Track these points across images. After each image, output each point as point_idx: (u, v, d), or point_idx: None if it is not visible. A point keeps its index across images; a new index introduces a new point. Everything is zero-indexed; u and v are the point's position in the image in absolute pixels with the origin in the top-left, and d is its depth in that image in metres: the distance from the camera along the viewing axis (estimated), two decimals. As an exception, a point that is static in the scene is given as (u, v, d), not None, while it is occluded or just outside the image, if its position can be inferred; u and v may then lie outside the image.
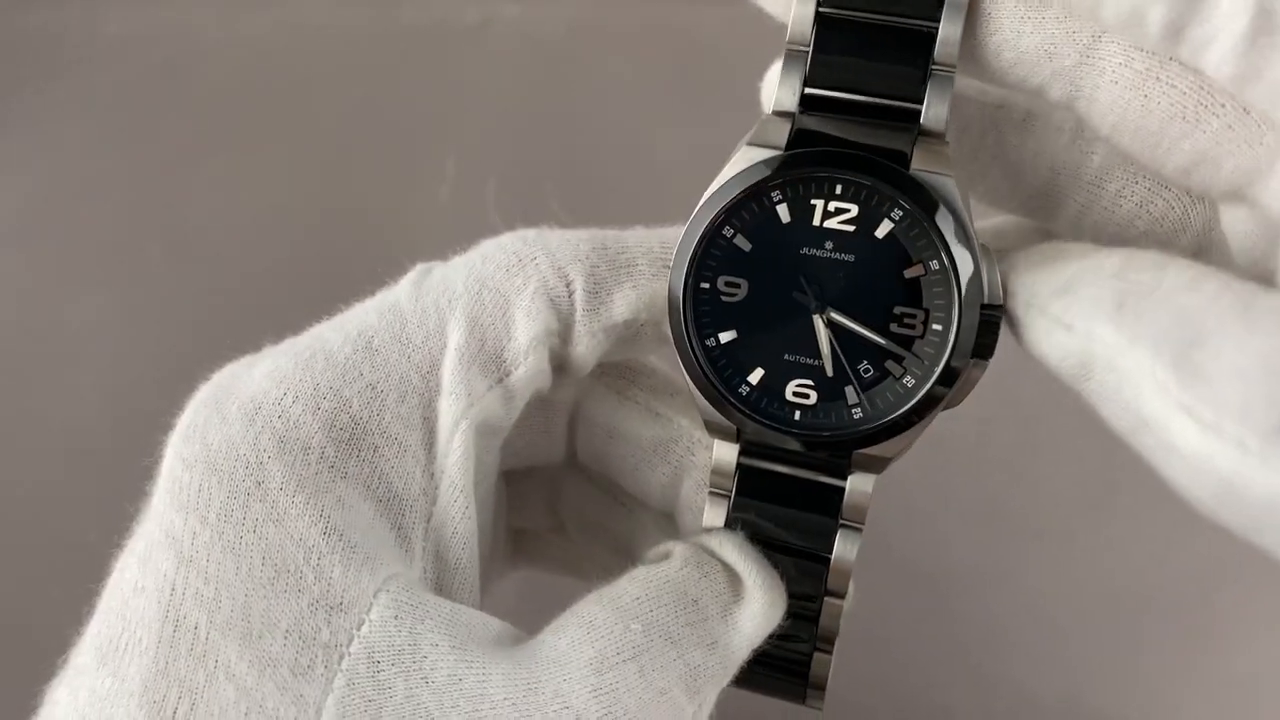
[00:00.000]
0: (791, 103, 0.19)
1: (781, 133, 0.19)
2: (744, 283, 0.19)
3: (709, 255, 0.19)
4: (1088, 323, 0.16)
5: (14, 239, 0.43)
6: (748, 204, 0.19)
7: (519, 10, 0.47)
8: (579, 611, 0.18)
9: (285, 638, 0.17)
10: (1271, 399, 0.14)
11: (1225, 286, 0.16)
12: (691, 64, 0.45)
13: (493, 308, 0.20)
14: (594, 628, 0.18)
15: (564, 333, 0.20)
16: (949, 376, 0.18)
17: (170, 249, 0.43)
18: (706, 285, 0.19)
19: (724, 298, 0.19)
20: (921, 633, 0.34)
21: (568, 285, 0.20)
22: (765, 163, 0.18)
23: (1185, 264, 0.16)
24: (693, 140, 0.44)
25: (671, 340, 0.20)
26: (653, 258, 0.20)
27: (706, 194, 0.19)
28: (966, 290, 0.18)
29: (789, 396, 0.19)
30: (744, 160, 0.19)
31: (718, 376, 0.19)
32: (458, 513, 0.19)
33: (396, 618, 0.17)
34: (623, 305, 0.20)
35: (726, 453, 0.20)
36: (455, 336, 0.20)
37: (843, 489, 0.20)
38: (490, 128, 0.44)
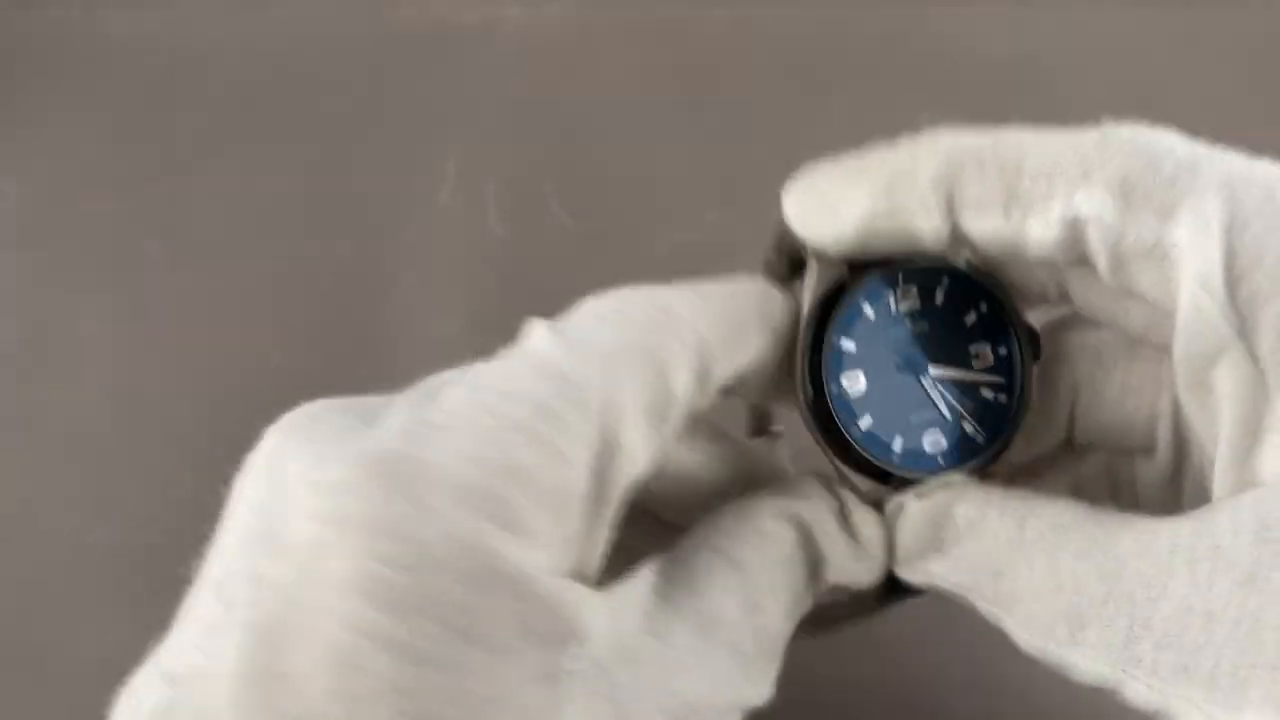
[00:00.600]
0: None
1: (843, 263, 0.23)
2: (861, 375, 0.23)
3: (830, 363, 0.23)
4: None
5: (15, 239, 0.43)
6: (843, 314, 0.23)
7: (519, 11, 0.47)
8: None
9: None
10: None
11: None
12: (691, 64, 0.45)
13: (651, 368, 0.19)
14: None
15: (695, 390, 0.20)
16: (1025, 385, 0.23)
17: (171, 249, 0.43)
18: (835, 387, 0.23)
19: (850, 393, 0.23)
20: (926, 638, 0.34)
21: (701, 344, 0.20)
22: (843, 280, 0.23)
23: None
24: (693, 141, 0.44)
25: (819, 439, 0.23)
26: (762, 315, 0.22)
27: (804, 315, 0.23)
28: (1010, 313, 0.23)
29: (927, 449, 0.24)
30: (822, 284, 0.23)
31: (872, 457, 0.23)
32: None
33: None
34: (741, 362, 0.21)
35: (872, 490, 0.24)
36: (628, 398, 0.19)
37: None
38: (490, 128, 0.44)
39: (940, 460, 0.23)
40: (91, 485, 0.39)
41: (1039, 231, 0.19)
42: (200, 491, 0.38)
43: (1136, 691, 0.16)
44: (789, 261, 0.24)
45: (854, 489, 0.23)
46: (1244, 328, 0.17)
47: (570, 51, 0.46)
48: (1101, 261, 0.19)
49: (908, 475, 0.23)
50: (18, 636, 0.37)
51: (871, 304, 0.23)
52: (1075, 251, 0.19)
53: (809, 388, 0.23)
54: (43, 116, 0.46)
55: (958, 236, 0.20)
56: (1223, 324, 0.17)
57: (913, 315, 0.24)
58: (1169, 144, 0.18)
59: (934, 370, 0.24)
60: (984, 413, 0.24)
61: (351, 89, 0.46)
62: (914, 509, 0.21)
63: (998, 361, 0.24)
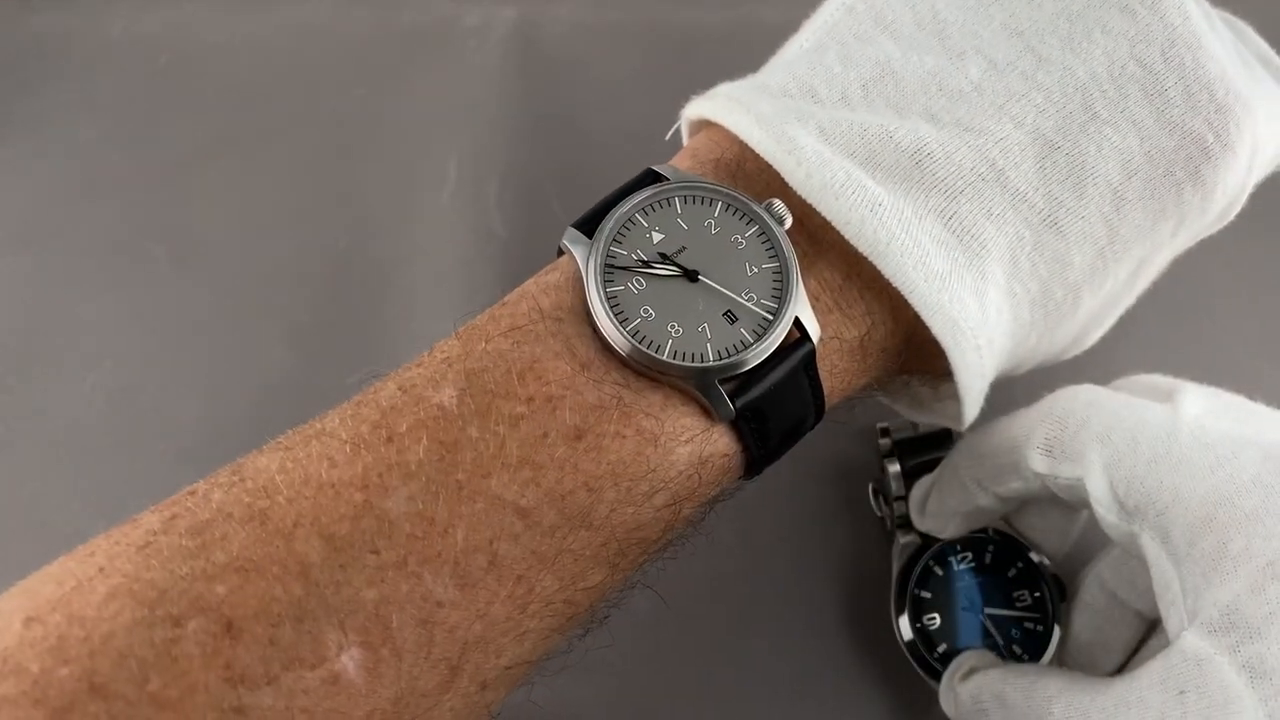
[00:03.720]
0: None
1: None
2: (937, 616, 0.33)
3: (915, 608, 0.33)
4: None
5: (18, 240, 0.43)
6: (921, 572, 0.34)
7: (519, 11, 0.47)
8: None
9: None
10: None
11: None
12: (691, 64, 0.45)
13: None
14: None
15: None
16: (1056, 618, 0.33)
17: (172, 249, 0.43)
18: (919, 626, 0.33)
19: (930, 629, 0.33)
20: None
21: None
22: (919, 548, 0.34)
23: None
24: (693, 141, 0.44)
25: (913, 662, 0.33)
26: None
27: (894, 575, 0.34)
28: (1040, 566, 0.33)
29: None
30: (904, 553, 0.34)
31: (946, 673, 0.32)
32: None
33: None
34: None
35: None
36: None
37: None
38: (491, 129, 0.44)
39: None
40: (91, 485, 0.39)
41: (1026, 485, 0.29)
42: (200, 491, 0.39)
43: None
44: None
45: (938, 699, 0.32)
46: (1135, 531, 0.26)
47: (570, 51, 0.46)
48: (1063, 495, 0.28)
49: None
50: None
51: (940, 564, 0.34)
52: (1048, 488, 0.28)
53: (901, 627, 0.33)
54: (44, 117, 0.46)
55: (1002, 500, 0.30)
56: (1123, 529, 0.26)
57: (970, 571, 0.34)
58: (1078, 405, 0.27)
59: (988, 610, 0.33)
60: (1026, 639, 0.33)
61: (351, 89, 0.46)
62: (962, 692, 0.30)
63: (1034, 601, 0.33)
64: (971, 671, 0.30)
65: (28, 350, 0.41)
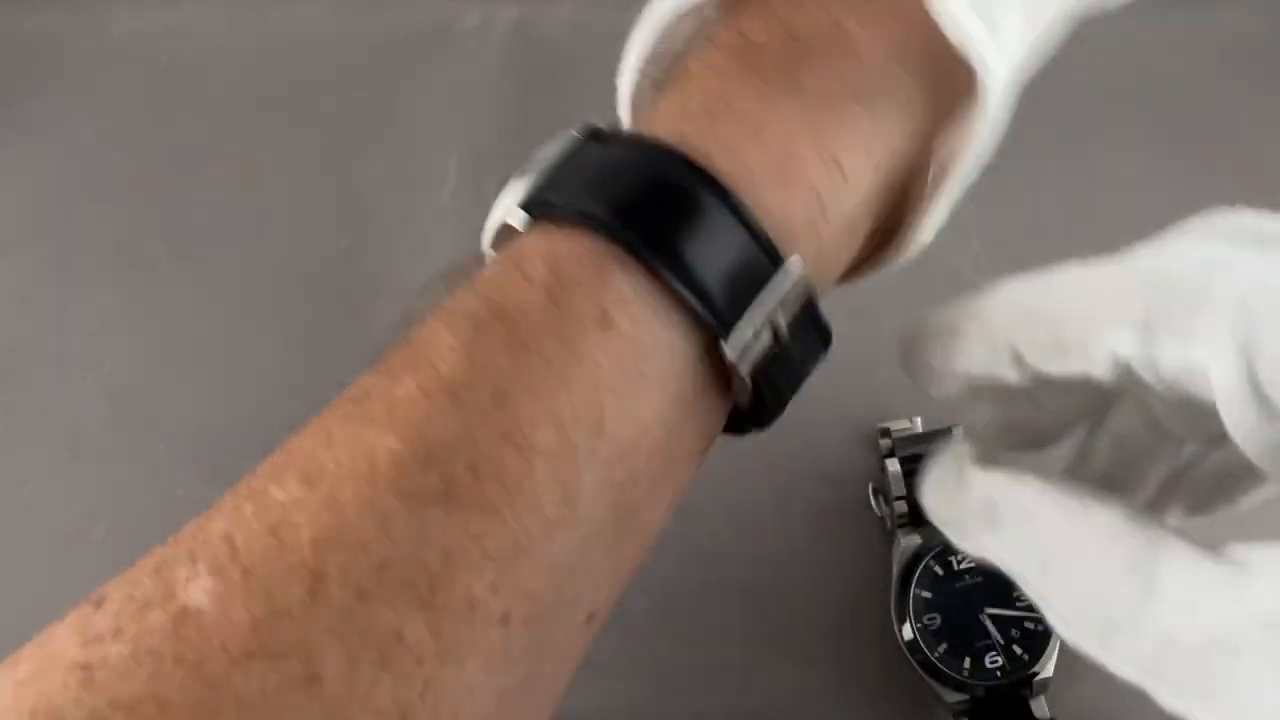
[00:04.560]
0: None
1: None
2: (938, 615, 0.33)
3: (915, 607, 0.33)
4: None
5: (18, 240, 0.43)
6: (921, 573, 0.33)
7: (519, 11, 0.47)
8: None
9: None
10: None
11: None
12: (691, 64, 0.45)
13: None
14: None
15: None
16: None
17: (172, 249, 0.43)
18: (920, 625, 0.33)
19: (930, 629, 0.33)
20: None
21: None
22: (920, 548, 0.34)
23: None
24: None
25: (912, 662, 0.32)
26: None
27: (894, 575, 0.34)
28: None
29: (988, 666, 0.32)
30: (905, 552, 0.34)
31: (950, 673, 0.32)
32: None
33: None
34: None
35: (958, 701, 0.32)
36: None
37: (1028, 703, 0.32)
38: (491, 130, 0.44)
39: (999, 674, 0.32)
40: (91, 485, 0.39)
41: (1093, 370, 0.20)
42: (200, 491, 0.39)
43: (1164, 699, 0.18)
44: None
45: (940, 699, 0.32)
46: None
47: (570, 51, 0.46)
48: (1156, 387, 0.20)
49: (975, 687, 0.32)
50: (18, 636, 0.37)
51: (941, 564, 0.33)
52: (1134, 378, 0.20)
53: (901, 626, 0.33)
54: (44, 117, 0.46)
55: (1042, 381, 0.21)
56: (1263, 436, 0.18)
57: (970, 571, 0.33)
58: (1187, 267, 0.19)
59: (988, 610, 0.33)
60: (1027, 639, 0.32)
61: (351, 89, 0.46)
62: (979, 483, 0.21)
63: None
64: (984, 461, 0.22)
65: (28, 350, 0.41)
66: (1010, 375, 0.22)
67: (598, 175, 0.21)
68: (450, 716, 0.18)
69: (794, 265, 0.21)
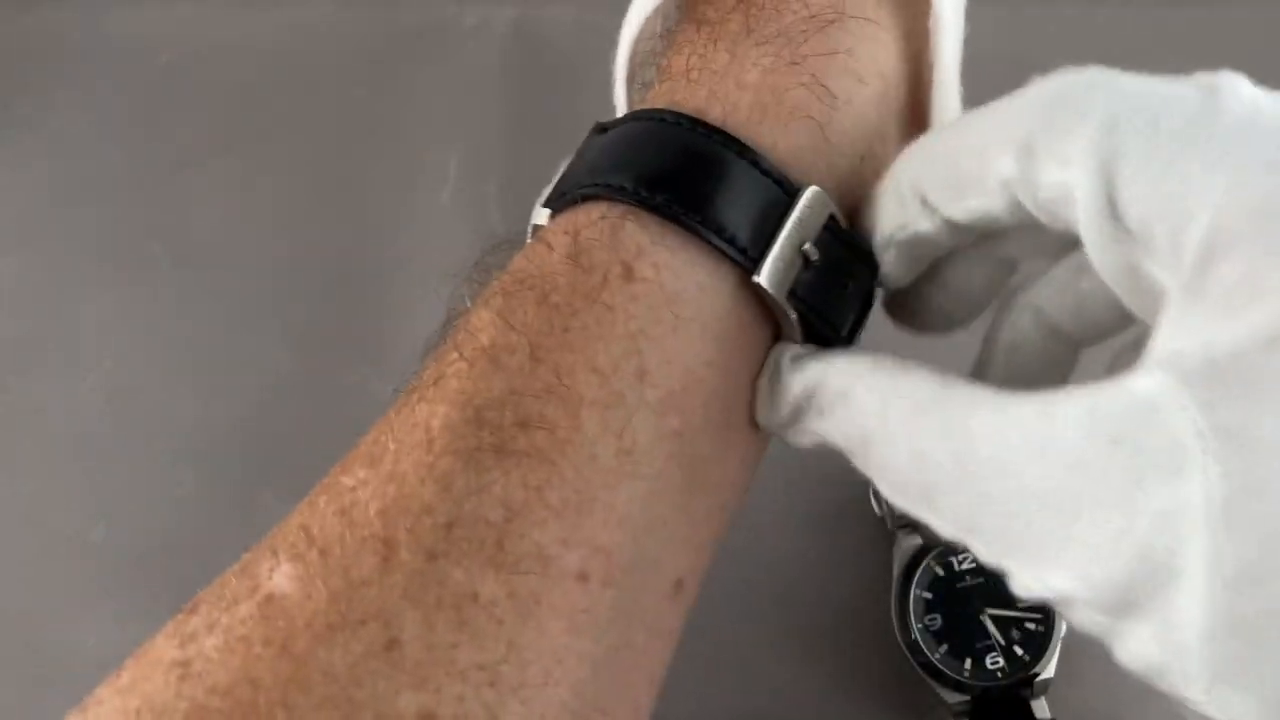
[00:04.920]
0: None
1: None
2: (938, 616, 0.33)
3: (916, 608, 0.33)
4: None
5: (18, 240, 0.43)
6: (922, 573, 0.33)
7: (519, 11, 0.47)
8: None
9: None
10: None
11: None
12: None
13: None
14: None
15: None
16: (1058, 617, 0.32)
17: (172, 249, 0.43)
18: (920, 626, 0.33)
19: (931, 629, 0.33)
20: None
21: None
22: (921, 549, 0.34)
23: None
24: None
25: (913, 662, 0.33)
26: None
27: (895, 575, 0.34)
28: None
29: (989, 666, 0.32)
30: (906, 553, 0.34)
31: (951, 674, 0.32)
32: None
33: None
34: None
35: (958, 701, 0.33)
36: None
37: (1029, 703, 0.32)
38: (490, 128, 0.44)
39: (999, 675, 0.32)
40: (91, 485, 0.39)
41: (989, 205, 0.20)
42: (200, 491, 0.39)
43: (978, 551, 0.18)
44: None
45: (941, 700, 0.32)
46: (1133, 260, 0.18)
47: (570, 51, 0.46)
48: (1040, 217, 0.20)
49: (975, 687, 0.32)
50: (18, 636, 0.37)
51: (941, 564, 0.34)
52: (1024, 214, 0.20)
53: (901, 627, 0.33)
54: (43, 116, 0.46)
55: (954, 228, 0.22)
56: (1115, 254, 0.19)
57: (971, 571, 0.33)
58: (1072, 88, 0.19)
59: (989, 610, 0.33)
60: (1028, 639, 0.32)
61: (351, 89, 0.46)
62: (792, 381, 0.22)
63: (1036, 602, 0.30)
64: (801, 357, 0.22)
65: (28, 350, 0.41)
66: (923, 224, 0.22)
67: (602, 155, 0.22)
68: (540, 682, 0.18)
69: (808, 191, 0.21)
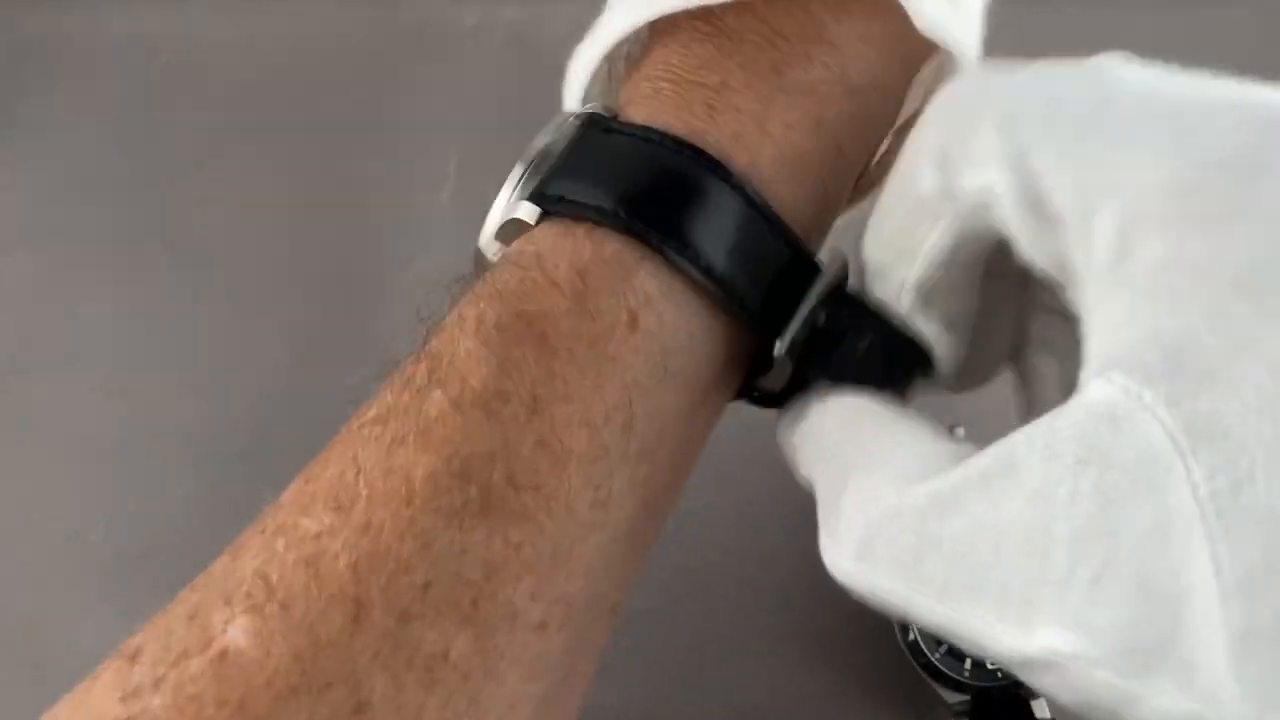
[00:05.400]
0: None
1: None
2: None
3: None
4: None
5: (15, 239, 0.43)
6: None
7: (519, 11, 0.47)
8: None
9: None
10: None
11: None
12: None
13: None
14: None
15: None
16: None
17: (171, 249, 0.43)
18: (920, 626, 0.30)
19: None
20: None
21: None
22: None
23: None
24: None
25: (915, 665, 0.32)
26: None
27: None
28: None
29: (989, 666, 0.32)
30: None
31: (951, 673, 0.32)
32: None
33: None
34: None
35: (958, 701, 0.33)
36: None
37: (1029, 703, 0.32)
38: (490, 128, 0.44)
39: (999, 675, 0.32)
40: (91, 485, 0.39)
41: (940, 232, 0.20)
42: (200, 491, 0.39)
43: (928, 611, 0.16)
44: None
45: (941, 700, 0.32)
46: (1060, 249, 0.18)
47: (570, 51, 0.46)
48: (976, 225, 0.19)
49: (976, 685, 0.32)
50: (18, 636, 0.37)
51: None
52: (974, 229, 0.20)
53: (901, 627, 0.33)
54: (43, 117, 0.46)
55: (943, 260, 0.21)
56: (1044, 247, 0.18)
57: None
58: (965, 94, 0.19)
59: None
60: None
61: (351, 89, 0.46)
62: (808, 409, 0.21)
63: None
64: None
65: (28, 350, 0.41)
66: (911, 272, 0.20)
67: (610, 166, 0.21)
68: None
69: (830, 265, 0.21)
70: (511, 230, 0.22)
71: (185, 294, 0.42)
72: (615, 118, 0.22)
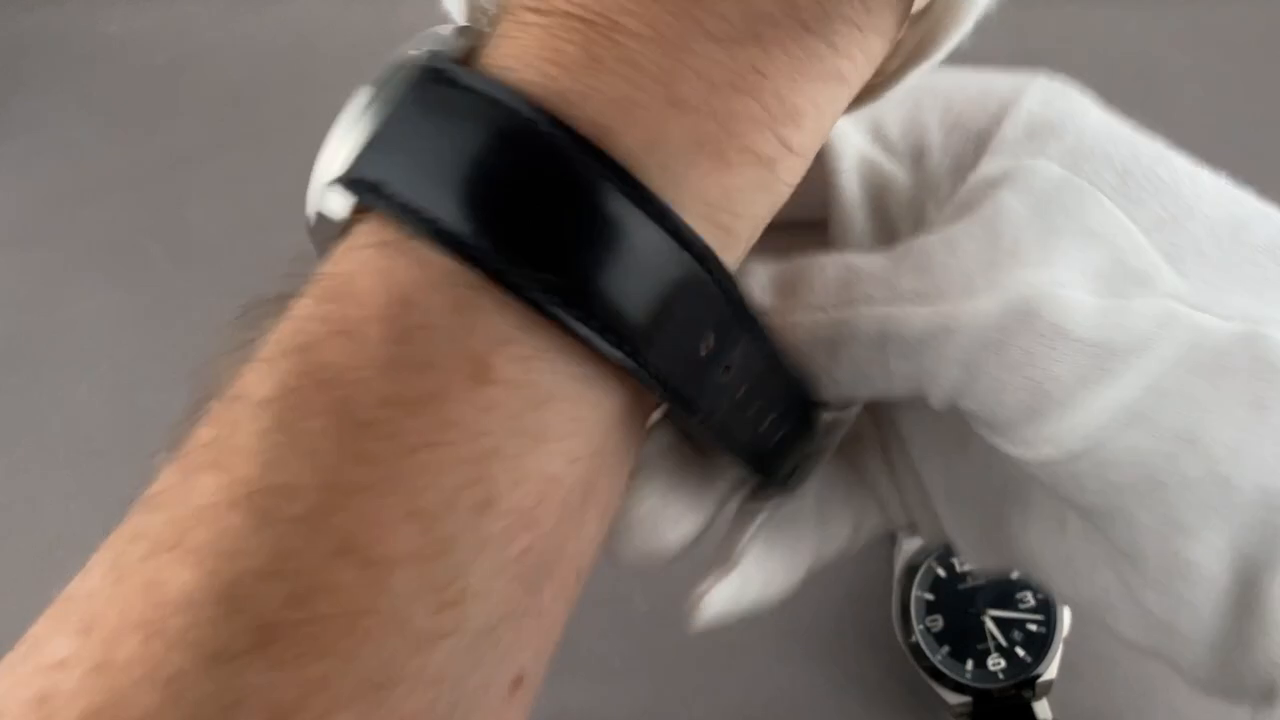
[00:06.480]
0: None
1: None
2: (940, 617, 0.33)
3: (917, 609, 0.33)
4: None
5: (15, 239, 0.43)
6: (923, 574, 0.33)
7: (519, 10, 0.47)
8: None
9: None
10: None
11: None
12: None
13: None
14: None
15: None
16: (1059, 620, 0.32)
17: (171, 249, 0.43)
18: (922, 628, 0.33)
19: (933, 631, 0.33)
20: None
21: None
22: (922, 552, 0.34)
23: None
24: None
25: (914, 664, 0.32)
26: None
27: (896, 576, 0.33)
28: None
29: (991, 668, 0.32)
30: (907, 553, 0.34)
31: (952, 675, 0.32)
32: None
33: None
34: None
35: (959, 703, 0.32)
36: None
37: (1031, 705, 0.32)
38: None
39: (1000, 676, 0.32)
40: (91, 485, 0.39)
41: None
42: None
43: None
44: None
45: (942, 701, 0.32)
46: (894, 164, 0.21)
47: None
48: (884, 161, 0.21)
49: (977, 687, 0.32)
50: (18, 636, 0.37)
51: (943, 566, 0.33)
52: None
53: (903, 628, 0.33)
54: (43, 116, 0.46)
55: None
56: (872, 178, 0.21)
57: (972, 573, 0.33)
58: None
59: (990, 612, 0.33)
60: (1029, 640, 0.32)
61: (352, 89, 0.46)
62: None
63: (1038, 604, 0.33)
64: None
65: (28, 350, 0.41)
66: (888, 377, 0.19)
67: (449, 142, 0.15)
68: None
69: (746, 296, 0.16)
70: (328, 230, 0.16)
71: (185, 293, 0.42)
72: (466, 60, 0.16)
